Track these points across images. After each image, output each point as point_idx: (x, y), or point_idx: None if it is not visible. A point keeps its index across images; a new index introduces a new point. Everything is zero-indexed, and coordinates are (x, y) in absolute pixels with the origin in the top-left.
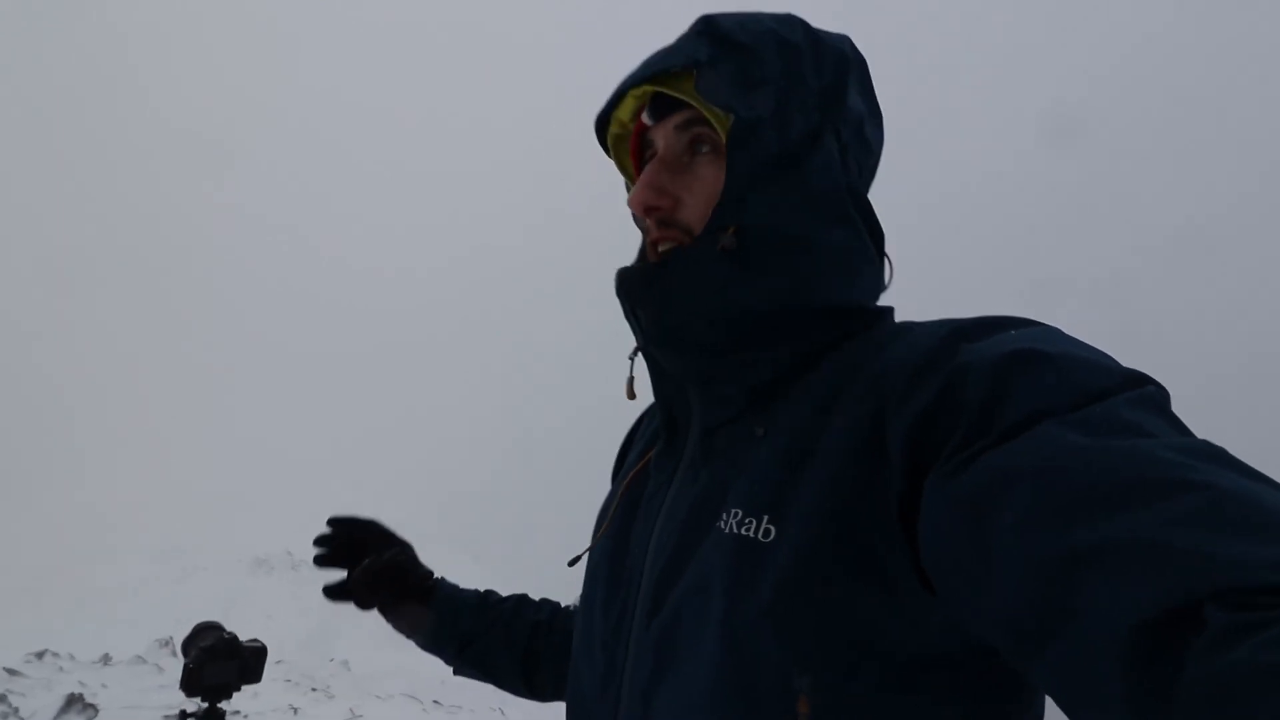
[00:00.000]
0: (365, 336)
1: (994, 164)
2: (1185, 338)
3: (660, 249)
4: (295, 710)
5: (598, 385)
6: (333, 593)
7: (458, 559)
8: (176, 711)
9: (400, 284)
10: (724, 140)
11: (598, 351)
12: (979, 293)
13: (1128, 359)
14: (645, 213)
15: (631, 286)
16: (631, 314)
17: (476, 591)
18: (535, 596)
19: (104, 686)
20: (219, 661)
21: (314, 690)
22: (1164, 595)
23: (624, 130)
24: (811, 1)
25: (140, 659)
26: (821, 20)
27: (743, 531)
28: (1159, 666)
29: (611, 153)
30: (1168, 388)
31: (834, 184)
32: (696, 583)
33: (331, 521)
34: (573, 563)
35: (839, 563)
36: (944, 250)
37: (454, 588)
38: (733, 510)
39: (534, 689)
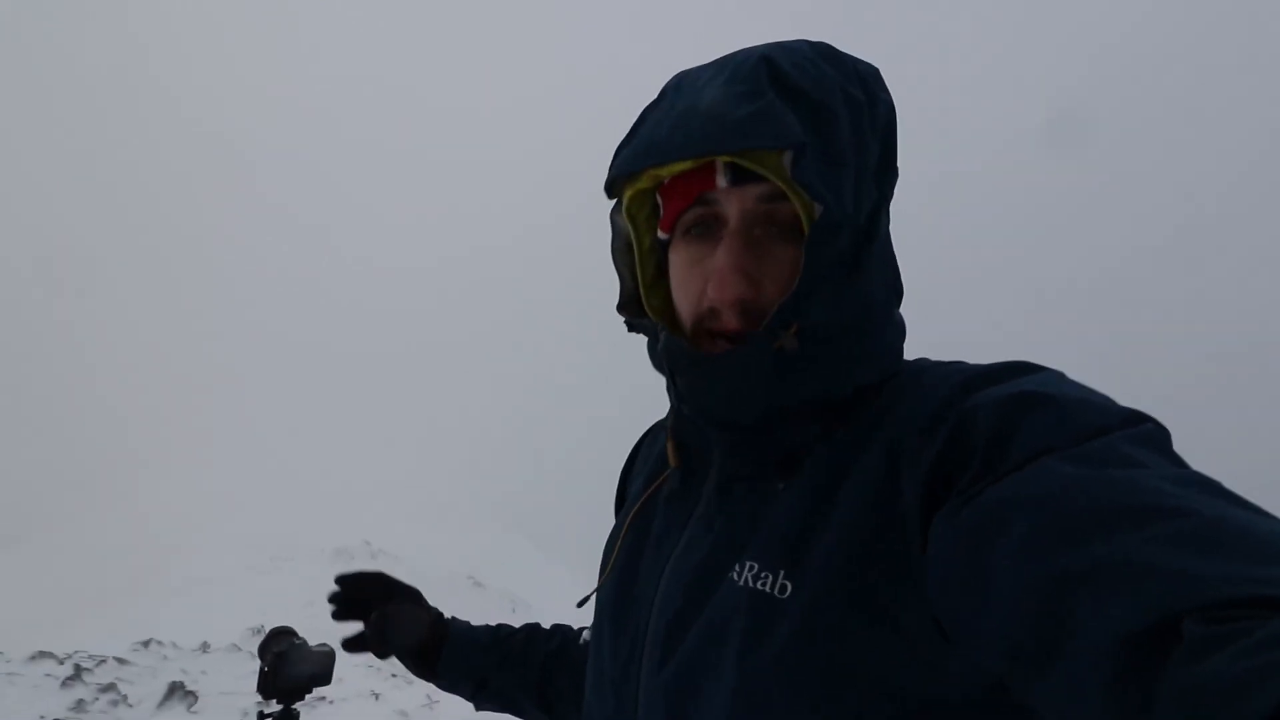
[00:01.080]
0: (421, 328)
1: (994, 166)
2: (1188, 341)
3: (727, 335)
4: (376, 696)
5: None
6: (351, 645)
7: (521, 545)
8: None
9: (440, 271)
10: (803, 219)
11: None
12: (979, 296)
13: (1129, 363)
14: (733, 304)
15: (676, 363)
16: (670, 379)
17: (487, 629)
18: (559, 612)
19: (203, 674)
20: (291, 666)
21: (394, 676)
22: (1145, 612)
23: (654, 183)
24: (813, 2)
25: (235, 647)
26: (822, 19)
27: (758, 586)
28: (1140, 680)
29: (624, 201)
30: (1171, 390)
31: (885, 267)
32: (708, 634)
33: (339, 580)
34: (581, 604)
35: (855, 618)
36: (942, 253)
37: (464, 630)
38: (748, 563)
39: (556, 716)
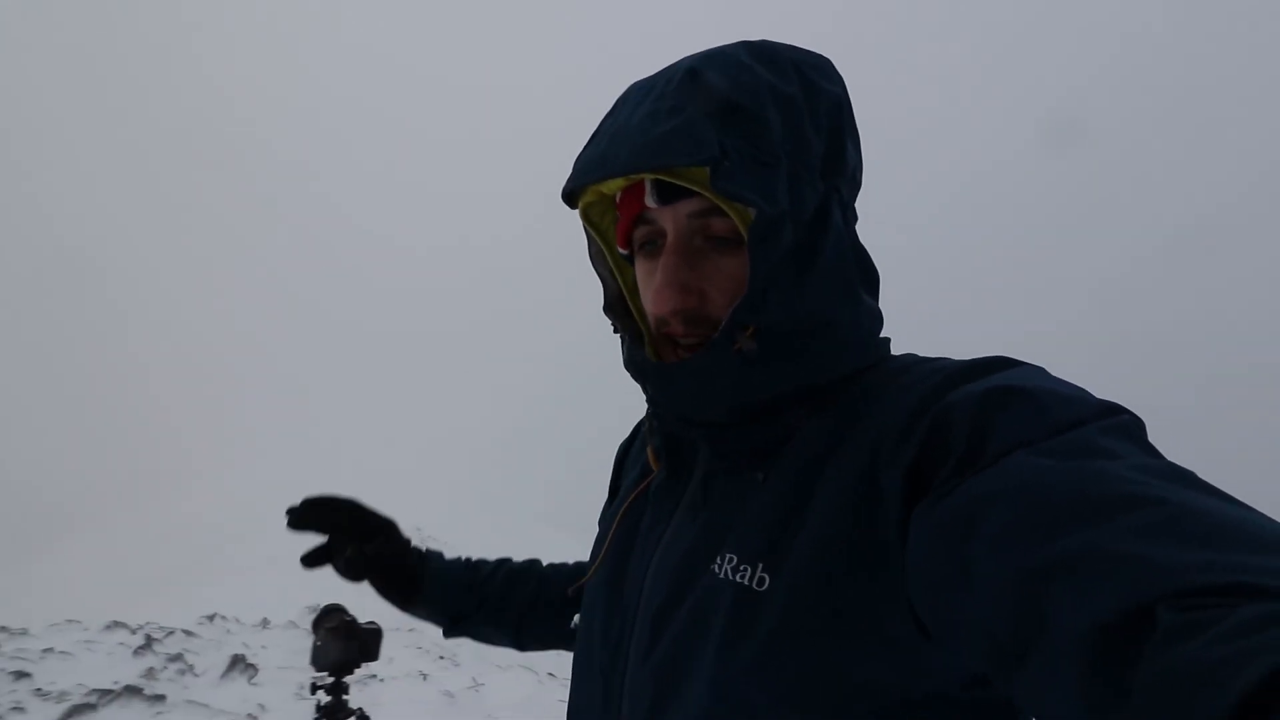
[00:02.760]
0: (469, 320)
1: (990, 166)
2: (1186, 342)
3: (684, 343)
4: (425, 676)
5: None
6: (311, 560)
7: (568, 540)
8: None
9: (491, 252)
10: (741, 228)
11: None
12: (975, 298)
13: (1127, 363)
14: (673, 315)
15: (643, 372)
16: (642, 384)
17: (464, 565)
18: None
19: (263, 648)
20: (342, 641)
21: (441, 658)
22: (1118, 600)
23: (600, 199)
24: (808, 1)
25: (293, 624)
26: (818, 19)
27: (737, 578)
28: (1115, 667)
29: (581, 216)
30: (1167, 393)
31: (843, 258)
32: (689, 626)
33: (307, 502)
34: (574, 592)
35: (831, 613)
36: (938, 254)
37: (441, 566)
38: (728, 555)
39: (522, 647)
